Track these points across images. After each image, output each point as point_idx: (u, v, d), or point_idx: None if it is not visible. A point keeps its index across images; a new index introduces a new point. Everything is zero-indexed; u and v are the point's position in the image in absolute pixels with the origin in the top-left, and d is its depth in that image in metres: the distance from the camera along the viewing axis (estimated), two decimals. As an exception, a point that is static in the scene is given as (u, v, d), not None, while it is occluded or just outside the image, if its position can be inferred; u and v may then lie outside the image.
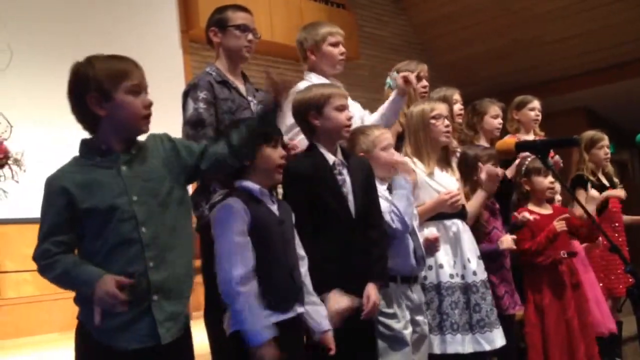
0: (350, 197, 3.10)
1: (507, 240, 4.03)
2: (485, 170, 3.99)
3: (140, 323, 2.31)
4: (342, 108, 3.15)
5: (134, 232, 2.32)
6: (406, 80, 3.85)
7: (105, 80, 2.32)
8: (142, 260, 2.31)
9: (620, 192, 5.36)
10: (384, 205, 3.28)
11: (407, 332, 3.31)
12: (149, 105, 2.40)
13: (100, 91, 2.32)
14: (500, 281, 4.04)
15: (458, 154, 4.25)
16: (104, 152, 2.37)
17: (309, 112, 3.14)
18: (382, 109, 3.98)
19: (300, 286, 2.74)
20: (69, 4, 6.91)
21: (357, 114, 3.95)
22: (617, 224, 5.36)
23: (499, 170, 4.03)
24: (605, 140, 5.50)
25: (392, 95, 3.95)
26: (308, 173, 3.02)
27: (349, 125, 3.19)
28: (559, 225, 4.23)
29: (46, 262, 2.34)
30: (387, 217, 3.27)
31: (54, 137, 6.08)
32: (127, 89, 2.35)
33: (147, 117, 2.40)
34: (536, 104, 5.20)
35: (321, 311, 2.79)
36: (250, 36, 3.52)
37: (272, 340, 2.49)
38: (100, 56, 2.39)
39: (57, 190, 2.34)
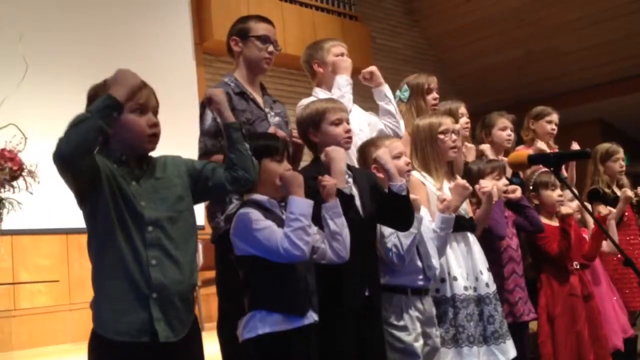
0: (358, 202, 3.12)
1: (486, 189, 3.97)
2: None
3: (136, 316, 2.33)
4: (339, 122, 3.17)
5: (138, 232, 2.37)
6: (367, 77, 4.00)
7: None
8: (144, 257, 2.36)
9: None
10: (386, 231, 3.31)
11: (418, 344, 3.30)
12: (153, 125, 2.44)
13: None
14: (514, 287, 4.02)
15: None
16: (122, 163, 2.43)
17: (308, 129, 3.20)
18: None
19: (314, 292, 2.75)
20: (84, 17, 6.98)
21: (365, 121, 3.98)
22: (631, 237, 5.32)
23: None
24: (621, 153, 5.48)
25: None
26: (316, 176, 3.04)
27: (348, 138, 3.20)
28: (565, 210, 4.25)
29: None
30: (389, 244, 3.29)
31: (68, 149, 6.12)
32: (132, 107, 2.39)
33: (153, 136, 2.45)
34: (554, 117, 5.16)
35: None
36: (270, 48, 3.53)
37: None
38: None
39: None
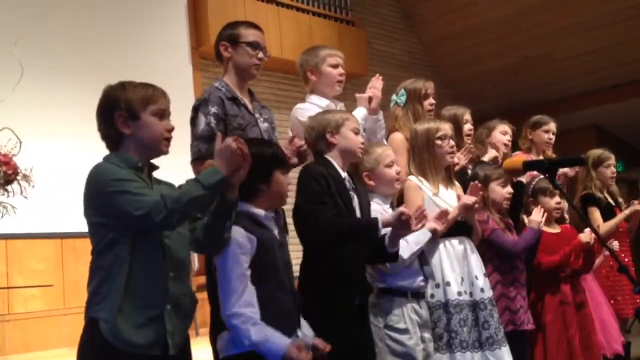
0: (358, 214, 3.15)
1: (535, 220, 4.07)
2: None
3: (152, 329, 2.38)
4: (357, 131, 3.29)
5: (159, 242, 2.43)
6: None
7: (135, 101, 2.49)
8: (165, 269, 2.43)
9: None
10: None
11: (419, 348, 3.32)
12: (170, 129, 2.56)
13: (129, 110, 2.48)
14: (516, 295, 4.02)
15: (469, 172, 4.27)
16: (138, 168, 2.50)
17: (327, 130, 3.25)
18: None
19: (299, 309, 2.75)
20: (80, 22, 6.96)
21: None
22: (622, 244, 5.31)
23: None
24: (612, 160, 5.48)
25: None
26: (327, 176, 3.12)
27: (362, 148, 3.31)
28: (585, 237, 4.25)
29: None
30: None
31: (62, 154, 6.12)
32: (153, 111, 2.51)
33: (168, 140, 2.56)
34: (552, 126, 5.16)
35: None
36: (260, 54, 3.53)
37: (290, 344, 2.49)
38: (132, 82, 2.56)
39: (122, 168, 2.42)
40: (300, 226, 3.14)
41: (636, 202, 5.28)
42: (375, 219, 3.07)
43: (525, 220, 4.24)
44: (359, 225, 3.10)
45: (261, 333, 2.48)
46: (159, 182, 2.60)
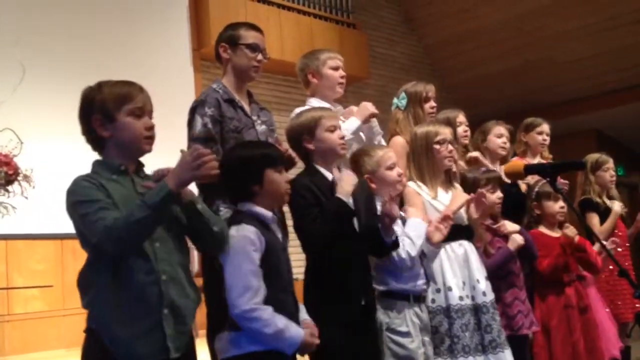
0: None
1: (516, 239, 4.01)
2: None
3: (152, 336, 2.35)
4: (333, 128, 3.21)
5: (148, 247, 2.38)
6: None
7: (109, 103, 2.44)
8: (155, 272, 2.37)
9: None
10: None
11: (421, 352, 3.31)
12: (150, 127, 2.49)
13: (104, 113, 2.44)
14: (513, 300, 4.00)
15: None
16: (121, 172, 2.46)
17: (302, 137, 3.20)
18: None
19: (298, 310, 2.76)
20: (82, 22, 6.97)
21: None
22: (622, 248, 5.30)
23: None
24: (611, 163, 5.46)
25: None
26: (311, 187, 3.07)
27: (343, 144, 3.23)
28: (570, 232, 4.24)
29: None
30: (403, 254, 3.30)
31: (63, 154, 6.12)
32: (129, 111, 2.45)
33: (149, 138, 2.50)
34: (544, 127, 5.14)
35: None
36: (260, 56, 3.53)
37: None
38: (109, 81, 2.51)
39: (95, 185, 2.37)
40: (301, 240, 3.14)
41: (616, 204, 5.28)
42: (337, 198, 3.03)
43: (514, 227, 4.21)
44: (335, 216, 3.03)
45: (283, 320, 2.53)
46: (149, 177, 2.55)
